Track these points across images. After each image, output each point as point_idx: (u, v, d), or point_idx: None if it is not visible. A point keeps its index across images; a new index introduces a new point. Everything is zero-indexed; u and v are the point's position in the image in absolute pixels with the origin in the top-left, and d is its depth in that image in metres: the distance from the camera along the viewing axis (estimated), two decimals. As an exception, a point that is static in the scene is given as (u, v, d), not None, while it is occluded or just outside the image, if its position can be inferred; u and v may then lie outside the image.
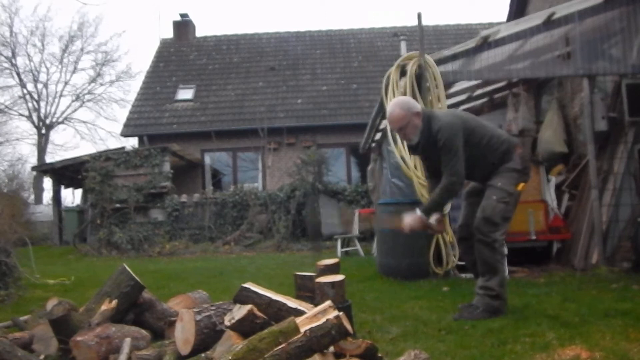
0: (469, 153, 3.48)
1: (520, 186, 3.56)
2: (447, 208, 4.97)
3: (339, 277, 2.95)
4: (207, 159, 15.10)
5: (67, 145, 41.62)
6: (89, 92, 28.36)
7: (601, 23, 5.82)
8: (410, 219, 3.57)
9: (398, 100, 3.65)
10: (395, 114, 3.50)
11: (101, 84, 28.68)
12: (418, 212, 3.57)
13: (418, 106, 3.57)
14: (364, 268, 6.37)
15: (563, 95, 7.49)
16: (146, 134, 14.92)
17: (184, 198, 12.37)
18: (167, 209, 12.11)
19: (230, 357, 1.96)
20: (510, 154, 3.56)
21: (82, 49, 28.35)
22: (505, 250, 5.35)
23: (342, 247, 8.98)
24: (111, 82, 28.75)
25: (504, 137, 3.66)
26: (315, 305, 2.54)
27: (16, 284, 5.29)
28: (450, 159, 3.42)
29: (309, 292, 3.10)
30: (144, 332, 2.85)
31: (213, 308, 2.56)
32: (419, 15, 5.88)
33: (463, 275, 5.43)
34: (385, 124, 6.33)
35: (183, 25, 19.19)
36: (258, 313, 2.36)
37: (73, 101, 28.27)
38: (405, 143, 5.79)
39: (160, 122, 15.30)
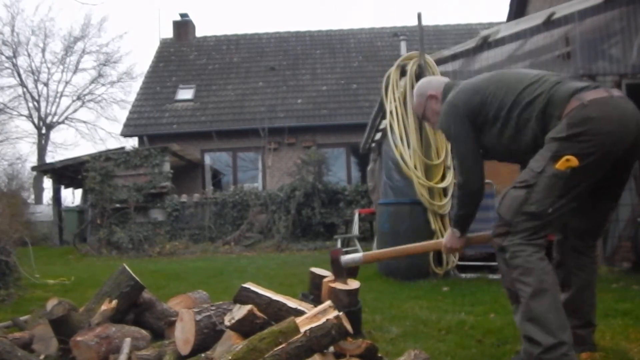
0: (485, 141, 2.49)
1: (563, 160, 2.17)
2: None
3: (354, 285, 2.93)
4: (207, 159, 15.10)
5: (67, 145, 41.58)
6: (90, 93, 28.43)
7: (601, 23, 5.82)
8: (447, 239, 2.71)
9: (416, 86, 2.92)
10: (414, 104, 2.91)
11: (102, 85, 28.76)
12: (451, 230, 2.70)
13: (434, 85, 2.78)
14: (364, 268, 6.34)
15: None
16: (146, 134, 14.93)
17: (184, 198, 12.37)
18: (167, 209, 12.11)
19: (230, 357, 1.96)
20: (552, 116, 2.27)
21: (83, 50, 28.45)
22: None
23: (342, 247, 8.97)
24: (112, 83, 28.83)
25: (537, 92, 2.31)
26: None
27: (16, 284, 5.29)
28: (455, 155, 2.58)
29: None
30: (144, 332, 2.86)
31: (213, 308, 2.56)
32: (419, 15, 5.89)
33: (463, 275, 5.43)
34: (385, 123, 6.32)
35: (183, 25, 19.20)
36: (258, 313, 2.36)
37: (74, 101, 28.34)
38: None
39: (160, 122, 15.30)
